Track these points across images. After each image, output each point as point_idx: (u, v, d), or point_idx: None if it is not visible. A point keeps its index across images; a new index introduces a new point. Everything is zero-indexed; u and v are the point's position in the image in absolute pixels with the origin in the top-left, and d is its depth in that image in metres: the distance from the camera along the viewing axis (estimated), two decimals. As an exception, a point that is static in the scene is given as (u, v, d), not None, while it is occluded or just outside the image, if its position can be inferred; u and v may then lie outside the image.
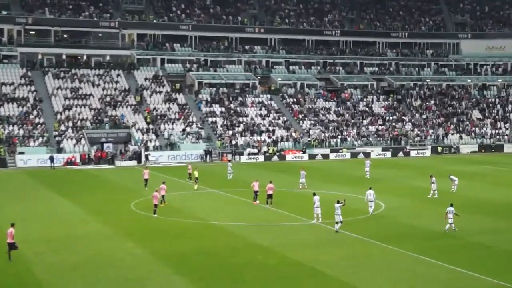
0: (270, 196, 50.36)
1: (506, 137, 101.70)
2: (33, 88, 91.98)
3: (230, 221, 45.24)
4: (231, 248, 37.11)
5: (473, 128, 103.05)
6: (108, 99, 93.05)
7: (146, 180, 60.52)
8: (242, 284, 30.33)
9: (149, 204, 48.27)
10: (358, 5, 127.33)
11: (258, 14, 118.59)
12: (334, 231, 41.27)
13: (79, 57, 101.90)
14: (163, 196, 49.99)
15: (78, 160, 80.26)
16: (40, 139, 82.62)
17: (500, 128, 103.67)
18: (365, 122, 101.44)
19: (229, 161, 74.41)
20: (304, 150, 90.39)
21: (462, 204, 51.40)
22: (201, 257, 34.97)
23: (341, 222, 40.93)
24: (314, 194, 44.64)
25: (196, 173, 61.09)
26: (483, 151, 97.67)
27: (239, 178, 66.99)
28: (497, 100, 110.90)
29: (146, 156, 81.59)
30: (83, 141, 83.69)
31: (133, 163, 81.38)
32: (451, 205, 41.73)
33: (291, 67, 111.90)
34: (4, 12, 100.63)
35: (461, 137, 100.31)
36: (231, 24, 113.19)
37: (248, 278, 31.18)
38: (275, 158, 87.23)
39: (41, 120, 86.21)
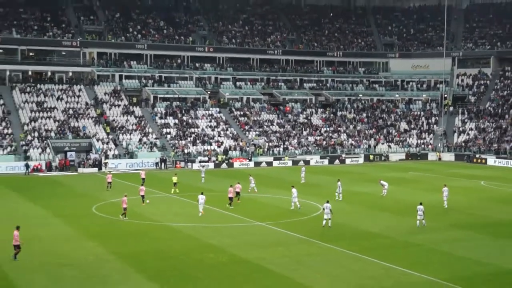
0: (238, 193, 53.12)
1: (430, 146, 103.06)
2: (1, 101, 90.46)
3: (184, 223, 45.07)
4: (185, 248, 36.95)
5: (401, 138, 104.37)
6: (71, 111, 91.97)
7: (109, 183, 61.87)
8: (195, 280, 30.23)
9: (109, 209, 47.87)
10: (298, 27, 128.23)
11: (207, 34, 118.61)
12: (279, 231, 41.64)
13: (44, 73, 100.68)
14: (143, 196, 52.59)
15: (43, 167, 79.24)
16: (9, 148, 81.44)
17: (425, 138, 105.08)
18: (304, 132, 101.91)
19: (202, 166, 74.76)
20: (250, 158, 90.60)
21: (392, 207, 52.16)
22: (157, 256, 34.82)
23: (328, 219, 43.05)
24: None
25: (175, 179, 61.31)
26: (410, 158, 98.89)
27: (191, 183, 66.83)
28: (421, 113, 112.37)
29: (105, 164, 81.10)
30: (48, 150, 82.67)
31: (94, 170, 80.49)
32: (421, 204, 43.77)
33: (238, 83, 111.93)
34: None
35: (389, 146, 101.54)
36: (183, 44, 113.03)
37: (200, 275, 31.09)
38: (224, 165, 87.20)
39: (9, 131, 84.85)
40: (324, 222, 43.07)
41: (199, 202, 47.82)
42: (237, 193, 52.94)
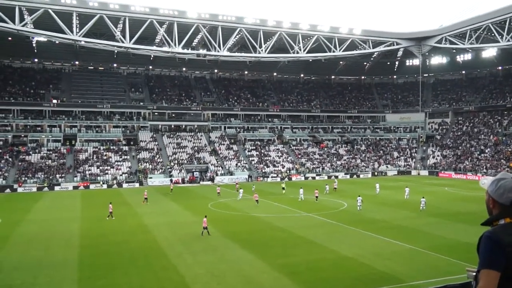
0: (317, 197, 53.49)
1: (412, 166, 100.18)
2: (156, 143, 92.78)
3: (263, 213, 45.05)
4: (263, 228, 36.95)
5: (394, 162, 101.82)
6: (195, 148, 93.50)
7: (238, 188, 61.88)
8: (269, 247, 30.18)
9: (219, 205, 48.19)
10: (330, 96, 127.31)
11: (275, 101, 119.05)
12: (319, 219, 41.06)
13: (180, 126, 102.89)
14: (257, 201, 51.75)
15: (180, 181, 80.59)
16: (160, 170, 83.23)
17: (409, 161, 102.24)
18: (335, 159, 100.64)
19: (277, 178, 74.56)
20: (302, 174, 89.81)
21: (389, 203, 50.82)
22: (246, 233, 34.89)
23: (360, 206, 44.94)
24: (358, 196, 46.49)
25: (283, 185, 63.74)
26: (399, 174, 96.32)
27: (265, 190, 66.65)
28: (407, 146, 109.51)
29: (212, 179, 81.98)
30: (183, 171, 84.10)
31: (210, 183, 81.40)
32: (423, 197, 46.52)
33: (294, 130, 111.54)
34: (142, 103, 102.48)
35: (387, 167, 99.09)
36: (261, 107, 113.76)
37: (272, 244, 31.03)
38: (286, 179, 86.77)
39: (161, 160, 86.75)
40: (358, 208, 44.57)
41: (240, 193, 55.43)
42: (316, 197, 52.46)
